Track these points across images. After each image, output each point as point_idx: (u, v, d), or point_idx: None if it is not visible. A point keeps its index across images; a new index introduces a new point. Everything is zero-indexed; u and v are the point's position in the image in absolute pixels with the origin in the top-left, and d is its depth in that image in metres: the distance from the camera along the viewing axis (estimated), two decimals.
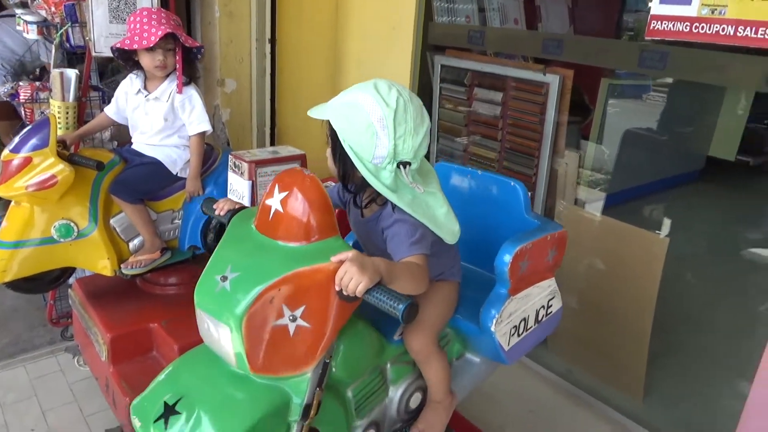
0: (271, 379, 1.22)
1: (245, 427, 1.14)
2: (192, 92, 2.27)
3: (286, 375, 1.21)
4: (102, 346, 2.19)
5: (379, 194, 1.32)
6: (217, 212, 1.51)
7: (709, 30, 1.85)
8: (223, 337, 1.16)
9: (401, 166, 1.28)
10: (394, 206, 1.31)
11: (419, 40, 2.82)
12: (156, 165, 2.27)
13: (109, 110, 2.35)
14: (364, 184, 1.31)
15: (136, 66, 2.24)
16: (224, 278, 1.16)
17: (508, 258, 1.40)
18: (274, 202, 1.22)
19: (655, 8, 1.96)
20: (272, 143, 3.21)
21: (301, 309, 1.16)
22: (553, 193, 2.54)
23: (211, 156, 2.41)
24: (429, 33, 2.76)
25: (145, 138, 2.30)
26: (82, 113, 2.57)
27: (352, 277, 1.10)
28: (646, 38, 1.97)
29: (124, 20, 2.55)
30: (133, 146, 2.34)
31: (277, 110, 3.17)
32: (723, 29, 1.82)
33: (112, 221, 2.25)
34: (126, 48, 2.11)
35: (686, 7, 1.89)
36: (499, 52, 2.60)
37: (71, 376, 2.57)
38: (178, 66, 2.20)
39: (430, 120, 2.84)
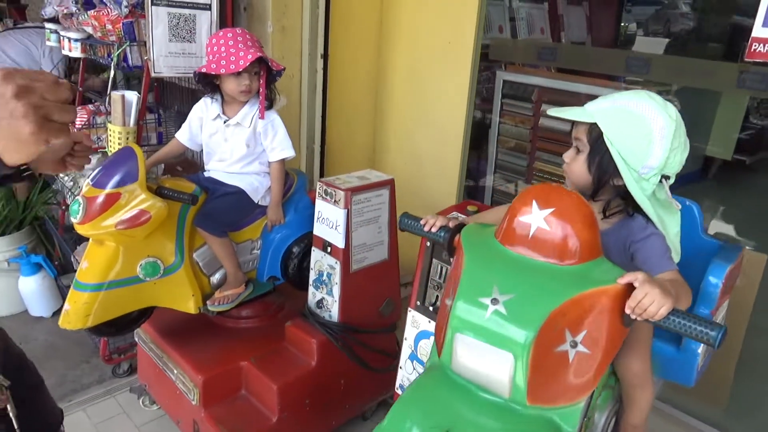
0: (540, 410, 1.14)
1: None
2: (274, 117, 2.15)
3: (560, 405, 1.14)
4: (192, 388, 2.06)
5: (627, 205, 1.28)
6: (426, 229, 1.42)
7: None
8: (500, 365, 1.08)
9: (663, 180, 1.25)
10: (647, 218, 1.27)
11: (478, 55, 2.78)
12: (240, 194, 2.14)
13: (182, 136, 2.21)
14: (618, 194, 1.28)
15: (215, 90, 2.11)
16: (495, 301, 1.08)
17: (718, 280, 1.39)
18: (535, 219, 1.14)
19: (757, 31, 1.97)
20: (322, 162, 3.10)
21: (583, 334, 1.09)
22: None
23: (287, 181, 2.30)
24: (491, 48, 2.72)
25: (224, 165, 2.17)
26: (139, 138, 2.42)
27: (653, 299, 1.04)
28: (746, 59, 1.99)
29: (184, 38, 2.42)
30: (209, 174, 2.20)
31: (327, 127, 3.06)
32: None
33: (195, 255, 2.12)
34: (212, 72, 1.99)
35: None
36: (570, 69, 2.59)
37: (138, 418, 2.42)
38: (261, 90, 2.09)
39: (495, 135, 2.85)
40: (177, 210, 2.02)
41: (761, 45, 1.98)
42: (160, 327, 2.28)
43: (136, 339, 2.39)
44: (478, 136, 3.22)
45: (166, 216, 1.94)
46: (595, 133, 1.25)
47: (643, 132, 1.20)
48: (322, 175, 3.14)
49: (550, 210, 1.13)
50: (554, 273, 1.12)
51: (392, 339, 2.42)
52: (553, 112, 1.36)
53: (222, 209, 2.10)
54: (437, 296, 1.80)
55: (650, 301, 1.04)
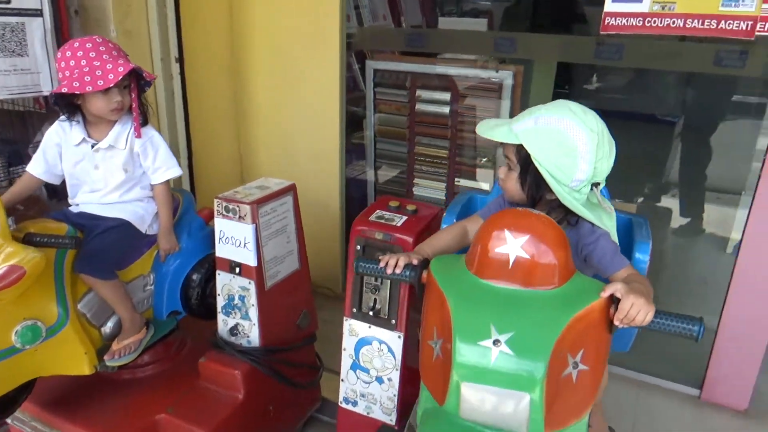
0: None
1: None
2: (152, 133, 1.90)
3: (570, 424, 1.13)
4: None
5: (568, 214, 1.30)
6: (389, 271, 1.31)
7: (661, 23, 2.12)
8: (516, 406, 1.04)
9: (593, 187, 1.29)
10: (592, 223, 1.30)
11: (344, 46, 2.72)
12: (124, 226, 1.86)
13: (36, 169, 1.85)
14: (554, 206, 1.29)
15: (74, 111, 1.80)
16: (497, 342, 1.04)
17: (645, 257, 1.48)
18: (512, 249, 1.12)
19: (609, 6, 2.18)
20: (191, 172, 2.83)
21: (580, 353, 1.09)
22: None
23: (173, 202, 2.05)
24: (358, 37, 2.68)
25: (98, 196, 1.87)
26: None
27: (639, 308, 1.08)
28: (601, 33, 2.19)
29: (13, 52, 2.03)
30: (80, 209, 1.88)
31: (192, 137, 2.79)
32: (673, 22, 2.10)
33: (79, 306, 1.80)
34: (76, 92, 1.68)
35: (638, 5, 2.14)
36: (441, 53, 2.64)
37: None
38: (134, 105, 1.82)
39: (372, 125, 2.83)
40: (51, 257, 1.69)
41: (613, 18, 2.19)
42: (42, 400, 1.91)
43: (10, 422, 1.98)
44: (354, 128, 3.18)
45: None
46: (523, 153, 1.27)
47: (567, 149, 1.23)
48: (192, 190, 2.87)
49: (525, 237, 1.12)
50: (544, 301, 1.11)
51: (311, 350, 2.31)
52: (481, 131, 1.33)
53: (106, 247, 1.80)
54: (375, 299, 1.74)
55: (637, 311, 1.09)
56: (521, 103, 2.50)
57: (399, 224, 1.68)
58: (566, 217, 1.34)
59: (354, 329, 1.79)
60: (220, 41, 2.93)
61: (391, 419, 1.81)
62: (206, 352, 2.03)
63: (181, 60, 2.64)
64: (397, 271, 1.31)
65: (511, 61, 2.53)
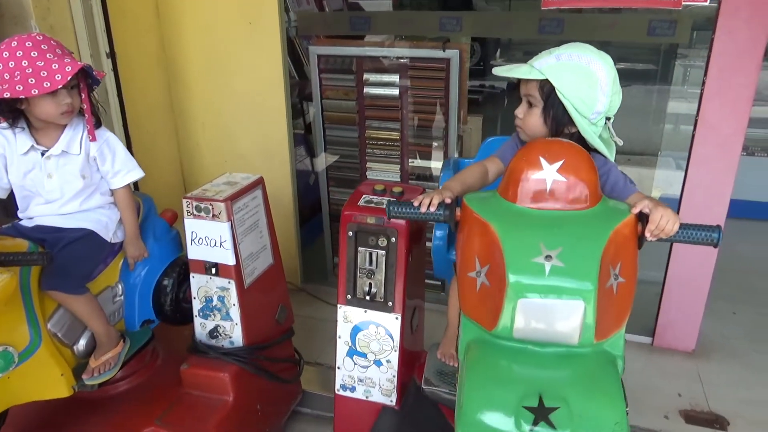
0: (599, 345, 1.19)
1: (622, 401, 1.13)
2: (107, 135, 1.77)
3: (611, 335, 1.20)
4: None
5: (583, 147, 1.35)
6: (423, 210, 1.33)
7: None
8: (572, 315, 1.10)
9: (607, 121, 1.37)
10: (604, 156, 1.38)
11: (284, 32, 2.65)
12: (89, 236, 1.73)
13: None
14: (573, 140, 1.34)
15: (17, 117, 1.63)
16: (548, 257, 1.10)
17: None
18: (549, 174, 1.19)
19: None
20: None
21: (619, 266, 1.17)
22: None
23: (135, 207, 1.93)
24: (299, 23, 2.62)
25: (56, 207, 1.72)
26: None
27: (668, 219, 1.19)
28: (543, 8, 2.29)
29: None
30: (35, 222, 1.72)
31: (132, 136, 2.62)
32: None
33: (49, 326, 1.66)
34: (18, 96, 1.52)
35: None
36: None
37: None
38: (86, 106, 1.68)
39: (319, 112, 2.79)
40: (16, 278, 1.54)
41: None
42: (18, 430, 1.76)
43: None
44: (301, 116, 3.12)
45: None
46: (547, 89, 1.34)
47: (590, 83, 1.31)
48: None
49: (560, 162, 1.20)
50: (584, 218, 1.19)
51: (289, 344, 2.27)
52: (501, 71, 1.40)
53: (74, 260, 1.67)
54: (370, 284, 1.74)
55: (666, 221, 1.20)
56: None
57: None
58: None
59: (349, 316, 1.78)
60: (150, 33, 2.76)
61: (391, 400, 1.83)
62: (185, 358, 1.95)
63: (112, 55, 2.46)
64: (432, 209, 1.33)
65: (431, 39, 2.58)
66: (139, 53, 2.70)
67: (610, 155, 1.40)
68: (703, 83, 2.26)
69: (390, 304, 1.73)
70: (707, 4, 2.17)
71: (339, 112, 2.78)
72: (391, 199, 1.46)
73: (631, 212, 1.22)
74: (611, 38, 2.34)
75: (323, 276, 3.24)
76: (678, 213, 2.45)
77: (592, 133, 1.34)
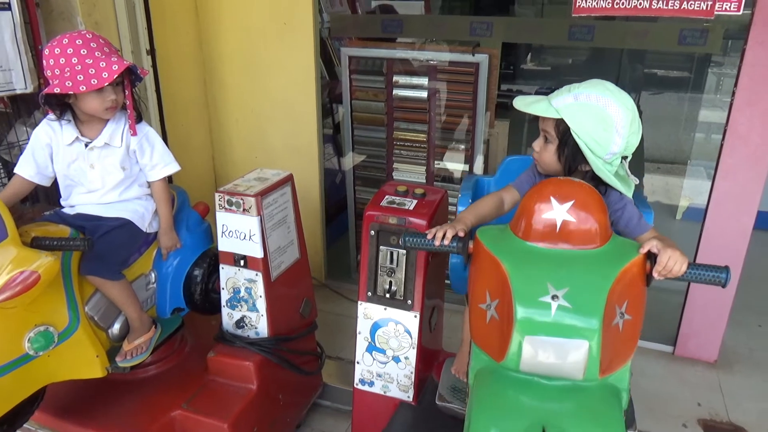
0: (604, 379, 1.22)
1: (621, 430, 1.16)
2: (147, 129, 1.86)
3: (617, 370, 1.23)
4: None
5: (599, 184, 1.39)
6: (437, 243, 1.37)
7: (629, 4, 2.25)
8: (576, 353, 1.14)
9: (623, 160, 1.39)
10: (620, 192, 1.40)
11: (318, 33, 2.72)
12: (127, 225, 1.82)
13: (25, 171, 1.77)
14: (587, 177, 1.39)
15: (65, 110, 1.73)
16: (555, 297, 1.14)
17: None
18: (559, 214, 1.22)
19: None
20: None
21: (625, 304, 1.20)
22: (487, 161, 2.79)
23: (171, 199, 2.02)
24: (332, 25, 2.68)
25: (97, 196, 1.81)
26: None
27: (676, 261, 1.22)
28: (573, 15, 2.30)
29: None
30: (76, 210, 1.82)
31: (168, 131, 2.72)
32: (640, 3, 2.23)
33: (87, 309, 1.75)
34: (69, 92, 1.62)
35: None
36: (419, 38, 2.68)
37: None
38: (128, 102, 1.77)
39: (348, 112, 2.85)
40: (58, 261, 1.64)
41: (584, 1, 2.31)
42: (54, 407, 1.86)
43: None
44: (330, 116, 3.19)
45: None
46: (562, 127, 1.37)
47: (605, 125, 1.33)
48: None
49: (571, 202, 1.22)
50: (592, 258, 1.21)
51: (312, 338, 2.34)
52: (519, 106, 1.41)
53: (112, 248, 1.76)
54: (390, 282, 1.79)
55: (674, 263, 1.22)
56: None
57: (411, 208, 1.74)
58: (597, 186, 1.42)
59: (369, 312, 1.84)
60: (189, 31, 2.86)
61: (408, 396, 1.88)
62: (212, 346, 2.03)
63: (152, 52, 2.56)
64: (446, 242, 1.36)
65: (461, 43, 2.61)
66: (177, 51, 2.80)
67: (628, 192, 1.41)
68: (734, 93, 2.25)
69: (409, 302, 1.77)
70: (740, 13, 2.16)
71: (368, 113, 2.84)
72: (408, 230, 1.50)
73: (639, 252, 1.24)
74: (642, 46, 2.35)
75: (347, 273, 3.31)
76: (703, 224, 2.45)
77: (606, 171, 1.36)
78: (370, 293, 1.81)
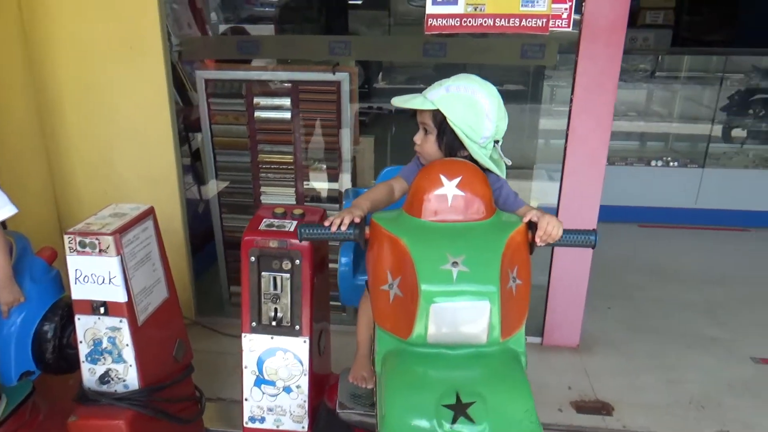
0: (505, 344, 1.28)
1: (529, 392, 1.23)
2: None
3: (514, 334, 1.29)
4: None
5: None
6: (334, 229, 1.36)
7: (476, 22, 2.41)
8: (479, 315, 1.19)
9: (495, 144, 1.50)
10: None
11: (168, 57, 2.56)
12: None
13: None
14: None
15: None
16: (455, 264, 1.19)
17: None
18: (449, 189, 1.30)
19: (430, 8, 2.40)
20: None
21: (516, 269, 1.28)
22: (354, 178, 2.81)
23: (7, 246, 1.75)
24: (183, 47, 2.54)
25: None
26: None
27: (554, 225, 1.34)
28: (426, 33, 2.41)
29: None
30: None
31: None
32: (485, 21, 2.40)
33: None
34: None
35: (454, 6, 2.40)
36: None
37: None
38: None
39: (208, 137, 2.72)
40: None
41: (435, 19, 2.42)
42: None
43: None
44: (186, 143, 3.00)
45: None
46: (439, 118, 1.46)
47: (476, 111, 1.44)
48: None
49: (459, 178, 1.31)
50: (482, 228, 1.30)
51: (189, 382, 2.15)
52: (398, 103, 1.50)
53: None
54: (276, 309, 1.70)
55: (552, 227, 1.34)
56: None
57: (292, 229, 1.68)
58: None
59: (254, 344, 1.74)
60: (13, 56, 2.53)
61: (303, 426, 1.80)
62: (73, 409, 1.78)
63: None
64: (343, 228, 1.37)
65: (317, 63, 2.64)
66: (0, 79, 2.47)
67: (502, 173, 1.52)
68: (571, 101, 2.49)
69: (297, 327, 1.71)
70: (570, 30, 2.40)
71: (230, 137, 2.72)
72: (301, 222, 1.48)
73: (522, 221, 1.35)
74: (489, 61, 2.51)
75: (219, 307, 3.12)
76: None
77: (482, 155, 1.47)
78: (254, 323, 1.71)
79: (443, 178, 1.31)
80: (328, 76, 2.55)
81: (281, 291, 1.68)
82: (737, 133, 4.76)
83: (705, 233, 4.47)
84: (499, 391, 1.21)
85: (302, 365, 1.74)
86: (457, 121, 1.43)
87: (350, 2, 5.15)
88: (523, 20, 2.39)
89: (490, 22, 2.40)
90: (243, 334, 1.73)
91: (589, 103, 2.48)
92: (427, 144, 1.50)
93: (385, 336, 1.33)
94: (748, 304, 3.36)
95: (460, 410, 1.16)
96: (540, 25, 2.40)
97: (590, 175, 2.58)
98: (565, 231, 1.37)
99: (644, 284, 3.59)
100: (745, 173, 4.54)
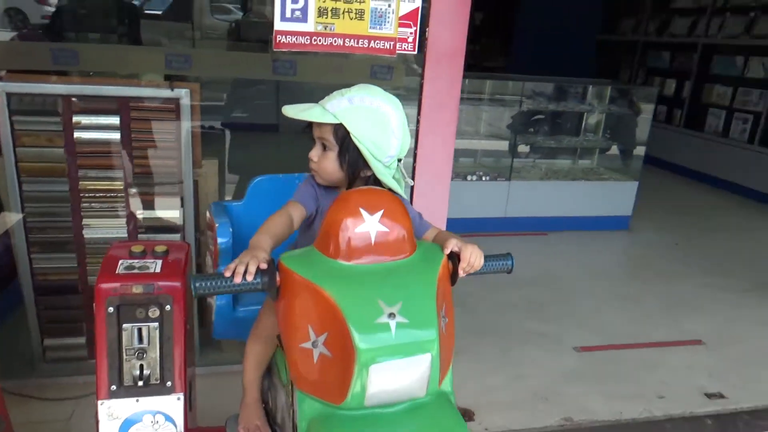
0: (439, 390, 1.19)
1: None
2: None
3: (447, 372, 1.20)
4: None
5: None
6: (238, 279, 1.11)
7: (326, 42, 2.37)
8: (420, 369, 1.09)
9: (398, 162, 1.39)
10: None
11: None
12: None
13: None
14: (369, 183, 1.35)
15: None
16: (391, 315, 1.06)
17: None
18: (371, 226, 1.15)
19: (278, 24, 2.30)
20: None
21: (444, 307, 1.17)
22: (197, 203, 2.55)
23: None
24: None
25: None
26: None
27: (476, 255, 1.27)
28: (275, 50, 2.30)
29: None
30: None
31: None
32: (335, 41, 2.37)
33: None
34: None
35: (304, 24, 2.33)
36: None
37: None
38: None
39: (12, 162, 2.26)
40: None
41: (284, 36, 2.33)
42: None
43: None
44: None
45: None
46: (341, 133, 1.32)
47: (382, 127, 1.32)
48: None
49: (381, 212, 1.16)
50: (411, 266, 1.18)
51: None
52: (292, 113, 1.33)
53: None
54: (141, 366, 1.44)
55: (475, 258, 1.28)
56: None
57: (158, 270, 1.44)
58: None
59: (115, 411, 1.46)
60: None
61: None
62: None
63: None
64: (249, 278, 1.13)
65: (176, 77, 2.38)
66: None
67: (405, 194, 1.44)
68: (418, 121, 2.57)
69: (169, 384, 1.47)
70: (415, 53, 2.49)
71: (42, 162, 2.29)
72: (193, 274, 1.22)
73: (444, 253, 1.27)
74: (340, 81, 2.46)
75: (29, 367, 2.60)
76: None
77: (387, 174, 1.37)
78: (114, 387, 1.43)
79: (364, 212, 1.15)
80: (165, 92, 2.29)
81: (148, 344, 1.43)
82: (522, 149, 5.42)
83: (514, 239, 4.97)
84: None
85: (176, 426, 1.50)
86: (362, 138, 1.31)
87: (146, 12, 4.75)
88: (372, 42, 2.41)
89: (340, 42, 2.38)
90: (99, 401, 1.43)
91: (433, 123, 2.59)
92: (326, 161, 1.36)
93: (309, 400, 1.17)
94: (562, 299, 3.81)
95: None
96: (388, 47, 2.44)
97: (438, 192, 2.70)
98: (486, 257, 1.32)
99: (472, 291, 3.86)
100: (541, 184, 5.17)
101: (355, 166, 1.36)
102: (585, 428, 2.51)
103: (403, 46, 2.46)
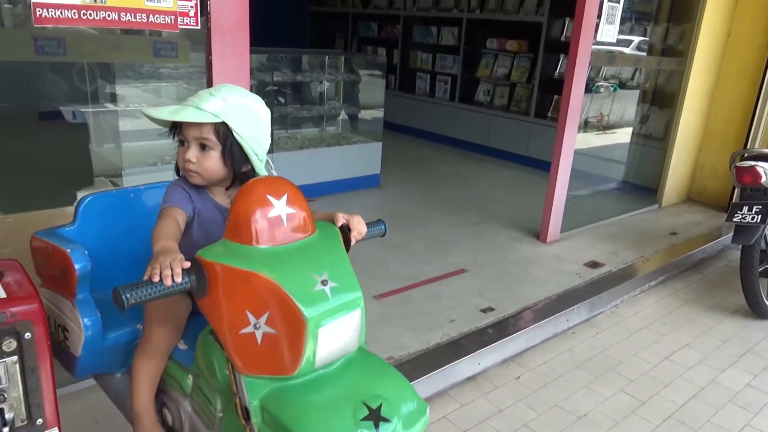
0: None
1: (401, 375, 1.33)
2: None
3: None
4: None
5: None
6: (168, 282, 1.09)
7: (98, 16, 2.12)
8: (354, 323, 1.21)
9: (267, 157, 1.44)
10: None
11: None
12: None
13: None
14: (247, 179, 1.34)
15: None
16: (324, 282, 1.17)
17: None
18: (281, 209, 1.22)
19: None
20: None
21: None
22: None
23: None
24: None
25: None
26: None
27: (361, 223, 1.43)
28: (35, 26, 1.96)
29: None
30: None
31: None
32: (108, 15, 2.14)
33: None
34: None
35: None
36: None
37: None
38: None
39: None
40: None
41: (45, 10, 2.01)
42: None
43: None
44: None
45: None
46: (223, 132, 1.34)
47: (258, 123, 1.39)
48: None
49: (285, 196, 1.24)
50: (320, 240, 1.30)
51: None
52: (161, 116, 1.31)
53: None
54: (2, 410, 1.19)
55: (362, 225, 1.43)
56: None
57: (5, 295, 1.19)
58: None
59: None
60: None
61: None
62: None
63: None
64: (178, 279, 1.12)
65: None
66: None
67: None
68: None
69: (40, 421, 1.25)
70: (198, 27, 2.38)
71: None
72: (118, 286, 1.07)
73: (338, 225, 1.39)
74: (119, 60, 2.22)
75: None
76: None
77: (263, 168, 1.44)
78: None
79: (271, 199, 1.22)
80: None
81: (8, 383, 1.19)
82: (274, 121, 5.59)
83: None
84: (386, 385, 1.27)
85: None
86: (244, 135, 1.36)
87: None
88: (151, 16, 2.24)
89: (115, 16, 2.15)
90: None
91: None
92: (209, 161, 1.37)
93: (258, 381, 1.21)
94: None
95: (376, 417, 1.17)
96: (169, 22, 2.30)
97: None
98: (367, 224, 1.47)
99: None
100: (300, 153, 5.38)
101: (239, 162, 1.40)
102: (405, 362, 2.84)
103: (185, 21, 2.34)
